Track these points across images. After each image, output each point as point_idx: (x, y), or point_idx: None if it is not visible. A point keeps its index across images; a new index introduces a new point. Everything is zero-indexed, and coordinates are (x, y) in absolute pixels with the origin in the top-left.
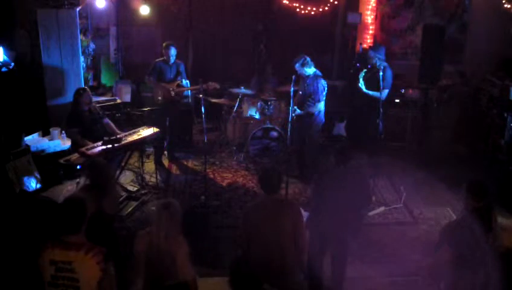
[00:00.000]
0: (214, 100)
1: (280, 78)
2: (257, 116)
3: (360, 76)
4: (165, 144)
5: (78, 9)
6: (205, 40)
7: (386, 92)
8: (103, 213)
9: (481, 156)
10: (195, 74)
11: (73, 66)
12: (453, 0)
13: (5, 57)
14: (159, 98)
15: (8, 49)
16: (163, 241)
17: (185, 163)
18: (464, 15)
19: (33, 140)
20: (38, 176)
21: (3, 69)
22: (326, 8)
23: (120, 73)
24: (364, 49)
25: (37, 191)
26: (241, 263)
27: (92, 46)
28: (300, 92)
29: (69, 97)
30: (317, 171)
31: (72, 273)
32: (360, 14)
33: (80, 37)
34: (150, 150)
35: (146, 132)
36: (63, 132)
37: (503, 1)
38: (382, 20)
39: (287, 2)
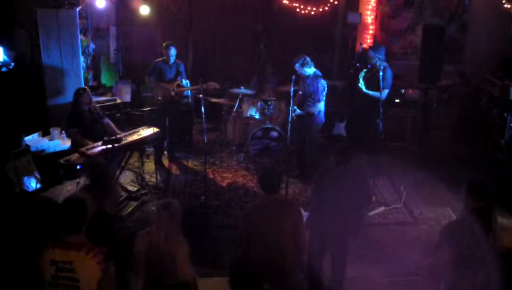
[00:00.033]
0: (214, 100)
1: (280, 78)
2: (257, 116)
3: (360, 76)
4: (165, 144)
5: (78, 9)
6: (205, 40)
7: (386, 92)
8: (104, 213)
9: (481, 156)
10: (195, 74)
11: (73, 66)
12: (453, 0)
13: (5, 57)
14: (159, 98)
15: (8, 49)
16: (163, 241)
17: (185, 163)
18: (464, 15)
19: (33, 140)
20: (38, 176)
21: (3, 69)
22: (326, 8)
23: (120, 73)
24: (364, 49)
25: (37, 191)
26: (241, 263)
27: (92, 46)
28: (300, 92)
29: (69, 97)
30: (317, 171)
31: (73, 273)
32: (360, 14)
33: (80, 37)
34: (150, 150)
35: (146, 132)
36: (63, 132)
37: (503, 1)
38: (382, 20)
39: (287, 2)
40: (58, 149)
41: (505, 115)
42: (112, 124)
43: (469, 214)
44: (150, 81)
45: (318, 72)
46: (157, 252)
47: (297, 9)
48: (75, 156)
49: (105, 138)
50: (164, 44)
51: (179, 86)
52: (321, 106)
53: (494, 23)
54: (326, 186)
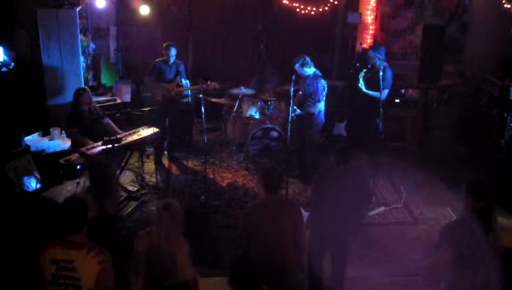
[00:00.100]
0: (214, 100)
1: (280, 78)
2: (257, 116)
3: (360, 76)
4: (165, 144)
5: (78, 9)
6: (205, 40)
7: (386, 92)
8: (105, 213)
9: (481, 156)
10: (195, 74)
11: (73, 66)
12: (453, 0)
13: (5, 57)
14: (159, 98)
15: (8, 49)
16: (164, 241)
17: (185, 163)
18: (464, 15)
19: (33, 140)
20: (38, 176)
21: (3, 69)
22: (326, 8)
23: (120, 73)
24: (364, 49)
25: (37, 191)
26: (241, 263)
27: (92, 46)
28: (300, 92)
29: (69, 97)
30: (317, 171)
31: (73, 273)
32: (360, 14)
33: (80, 37)
34: (150, 150)
35: (146, 132)
36: (63, 132)
37: (503, 1)
38: (382, 20)
39: (287, 2)
40: (58, 149)
41: (505, 115)
42: (113, 124)
43: (469, 214)
44: (150, 81)
45: (318, 72)
46: (158, 252)
47: (297, 9)
48: (75, 156)
49: (106, 138)
50: (164, 44)
51: (179, 85)
52: (321, 106)
53: (494, 23)
54: (326, 186)
